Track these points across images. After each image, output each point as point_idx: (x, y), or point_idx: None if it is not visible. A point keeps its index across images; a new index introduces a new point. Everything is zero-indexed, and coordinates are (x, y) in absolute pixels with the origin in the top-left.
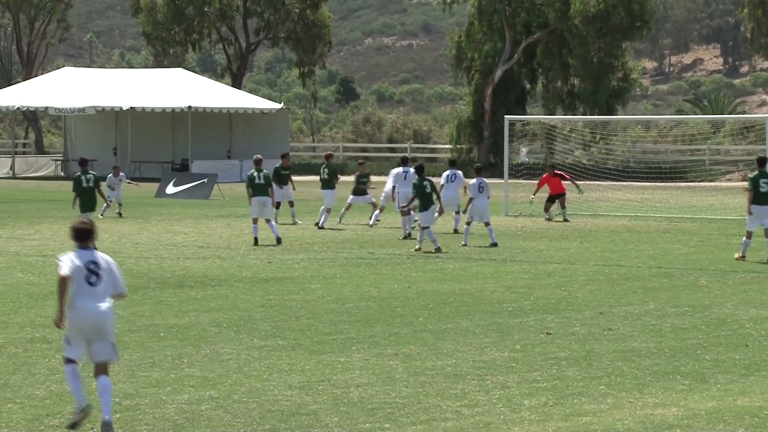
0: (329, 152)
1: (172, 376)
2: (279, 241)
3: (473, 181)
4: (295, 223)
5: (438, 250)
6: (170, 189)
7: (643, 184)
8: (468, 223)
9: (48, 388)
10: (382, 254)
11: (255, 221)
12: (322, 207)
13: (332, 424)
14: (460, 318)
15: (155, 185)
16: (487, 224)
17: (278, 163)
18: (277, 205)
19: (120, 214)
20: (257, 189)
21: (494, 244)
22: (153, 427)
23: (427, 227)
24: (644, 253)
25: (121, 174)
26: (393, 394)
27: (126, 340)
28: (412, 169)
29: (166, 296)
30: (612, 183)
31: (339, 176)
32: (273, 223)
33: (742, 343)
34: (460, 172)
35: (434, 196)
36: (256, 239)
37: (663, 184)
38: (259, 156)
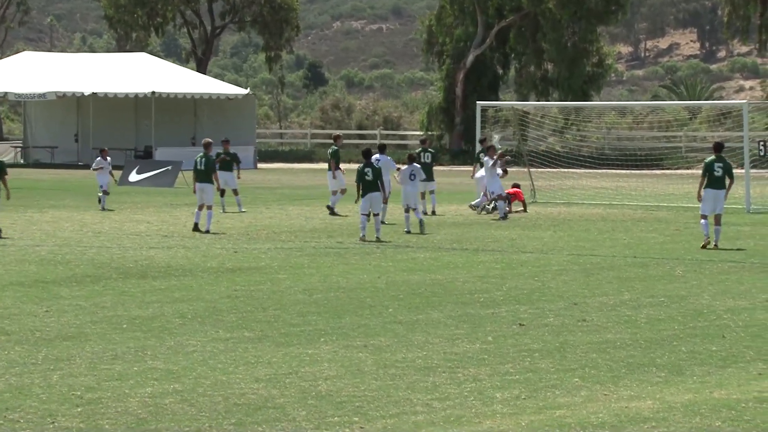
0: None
1: (135, 368)
2: (207, 231)
3: (405, 167)
4: (241, 212)
5: (362, 239)
6: (133, 177)
7: (618, 171)
8: (406, 211)
9: (7, 381)
10: (350, 244)
11: (199, 207)
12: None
13: (300, 417)
14: (430, 309)
15: (118, 173)
16: (414, 210)
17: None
18: (222, 193)
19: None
20: (197, 175)
21: (407, 231)
22: (115, 421)
23: (365, 214)
24: (619, 243)
25: (109, 158)
26: (362, 387)
27: (87, 331)
28: (388, 157)
29: (129, 287)
30: (586, 170)
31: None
32: (211, 212)
33: (719, 335)
34: (387, 158)
35: (379, 184)
36: (195, 224)
37: (638, 171)
38: (208, 140)
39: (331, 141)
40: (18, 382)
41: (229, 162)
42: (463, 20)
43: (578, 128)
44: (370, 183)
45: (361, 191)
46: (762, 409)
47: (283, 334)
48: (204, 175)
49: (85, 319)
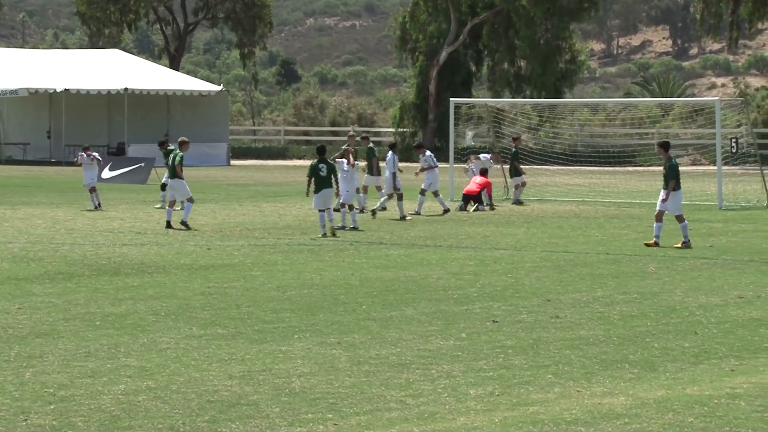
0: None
1: (108, 366)
2: (168, 225)
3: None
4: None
5: (324, 235)
6: (106, 173)
7: (591, 168)
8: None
9: None
10: (324, 241)
11: (170, 204)
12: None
13: (273, 414)
14: (404, 306)
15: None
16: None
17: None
18: (162, 187)
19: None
20: (168, 171)
21: (341, 227)
22: (88, 418)
23: (322, 210)
24: (592, 239)
25: (94, 153)
26: (336, 383)
27: (60, 329)
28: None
29: (102, 284)
30: (559, 167)
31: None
32: (189, 204)
33: (692, 331)
34: (395, 156)
35: (332, 179)
36: (167, 222)
37: (611, 168)
38: (184, 138)
39: (306, 138)
40: None
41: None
42: (436, 17)
43: (551, 125)
44: (324, 179)
45: (314, 187)
46: (734, 405)
47: (256, 331)
48: (172, 171)
49: (58, 317)
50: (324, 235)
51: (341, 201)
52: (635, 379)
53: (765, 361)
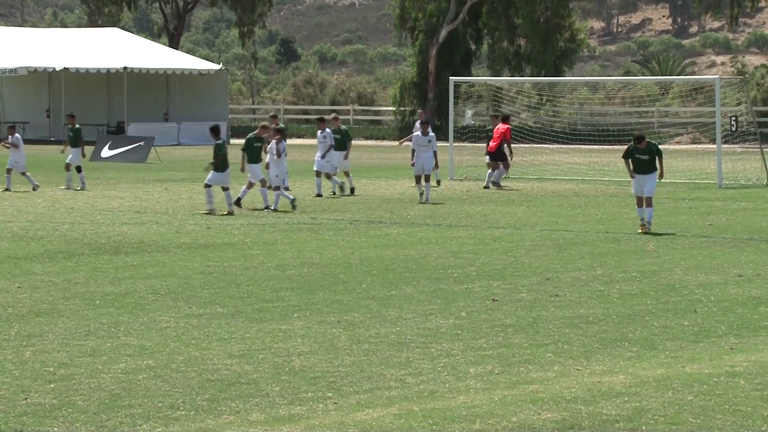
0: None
1: (108, 344)
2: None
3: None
4: (69, 188)
5: (212, 212)
6: (105, 152)
7: (590, 147)
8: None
9: None
10: (324, 219)
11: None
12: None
13: (273, 393)
14: (404, 284)
15: (90, 148)
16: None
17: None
18: (67, 167)
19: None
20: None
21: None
22: (89, 397)
23: (209, 186)
24: (592, 218)
25: (16, 135)
26: (336, 362)
27: (60, 307)
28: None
29: (102, 263)
30: (559, 146)
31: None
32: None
33: (691, 309)
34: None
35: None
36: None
37: (611, 147)
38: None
39: (305, 117)
40: None
41: (74, 138)
42: None
43: (551, 104)
44: (227, 158)
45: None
46: (734, 384)
47: (256, 309)
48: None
49: (58, 296)
50: (210, 212)
51: (271, 184)
52: (635, 358)
53: (764, 340)
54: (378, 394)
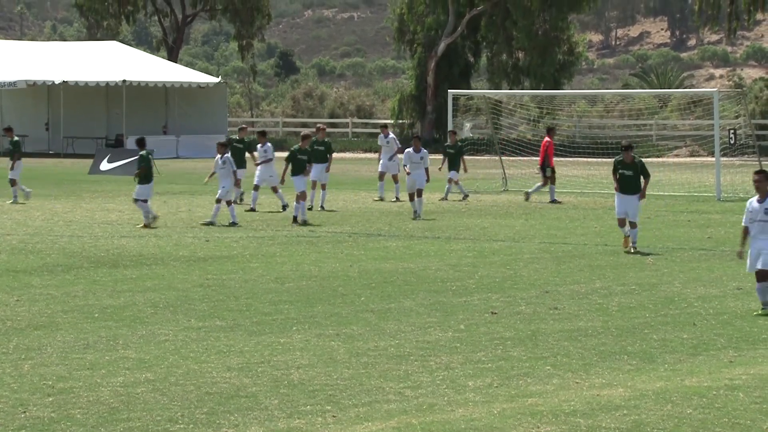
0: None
1: (107, 358)
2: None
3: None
4: (16, 203)
5: (147, 226)
6: (104, 165)
7: (589, 159)
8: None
9: None
10: (323, 232)
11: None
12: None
13: (272, 406)
14: (403, 297)
15: (89, 161)
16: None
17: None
18: (11, 183)
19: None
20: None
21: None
22: (87, 410)
23: (144, 200)
24: (590, 231)
25: None
26: (334, 375)
27: (59, 320)
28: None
29: (101, 276)
30: (558, 159)
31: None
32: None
33: (690, 322)
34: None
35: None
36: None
37: (609, 159)
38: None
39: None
40: None
41: (12, 150)
42: (434, 8)
43: (550, 116)
44: (151, 169)
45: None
46: (733, 397)
47: (255, 322)
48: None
49: (57, 309)
50: (146, 226)
51: (217, 196)
52: (634, 371)
53: (763, 353)
54: (377, 407)
